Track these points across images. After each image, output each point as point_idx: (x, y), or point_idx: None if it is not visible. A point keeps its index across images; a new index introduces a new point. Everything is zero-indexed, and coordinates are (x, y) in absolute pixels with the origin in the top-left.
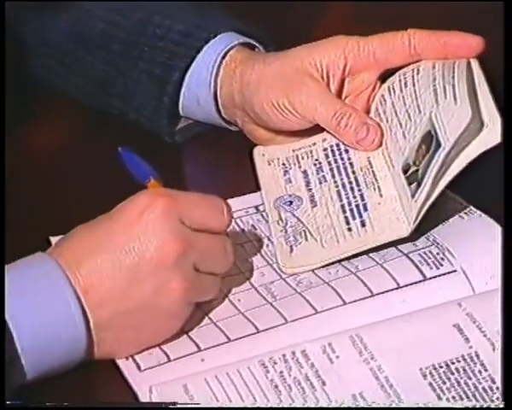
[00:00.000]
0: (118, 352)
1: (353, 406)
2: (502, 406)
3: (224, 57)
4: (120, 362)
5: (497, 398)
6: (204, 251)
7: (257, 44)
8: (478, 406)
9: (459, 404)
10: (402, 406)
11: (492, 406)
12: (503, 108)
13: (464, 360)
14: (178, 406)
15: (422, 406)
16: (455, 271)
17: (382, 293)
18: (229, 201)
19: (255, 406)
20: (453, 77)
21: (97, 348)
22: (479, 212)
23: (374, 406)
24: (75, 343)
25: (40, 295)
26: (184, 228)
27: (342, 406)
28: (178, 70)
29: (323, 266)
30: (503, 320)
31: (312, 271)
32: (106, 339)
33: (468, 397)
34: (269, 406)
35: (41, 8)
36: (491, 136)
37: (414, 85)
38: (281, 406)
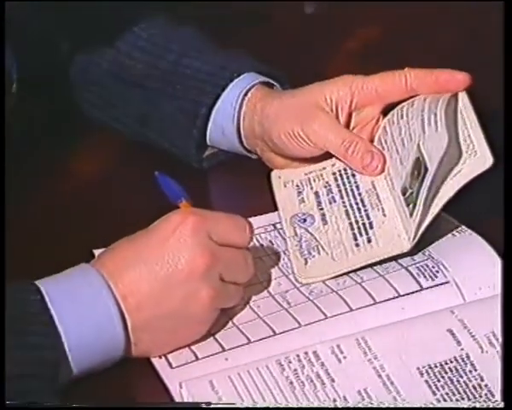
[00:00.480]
0: (152, 351)
1: (358, 400)
2: (501, 405)
3: (246, 94)
4: (154, 360)
5: (485, 394)
6: (228, 263)
7: (275, 83)
8: (468, 404)
9: (453, 402)
10: (400, 400)
11: (478, 405)
12: (505, 111)
13: (456, 360)
14: (212, 406)
15: (420, 405)
16: (448, 282)
17: (384, 301)
18: (250, 219)
19: (276, 404)
20: (436, 106)
21: (134, 348)
22: (469, 231)
23: (375, 404)
24: (115, 342)
25: (84, 301)
26: (212, 243)
27: (348, 402)
28: (206, 106)
29: (334, 277)
30: (502, 322)
31: (324, 282)
32: (142, 339)
33: (459, 393)
34: (286, 402)
35: (85, 51)
36: (480, 164)
37: (407, 117)
38: (296, 401)
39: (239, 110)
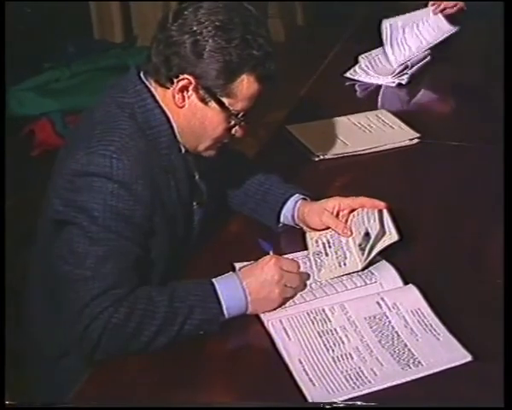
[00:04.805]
0: (258, 311)
1: (341, 325)
2: (502, 405)
3: (296, 202)
4: (261, 314)
5: (391, 329)
6: (288, 279)
7: (308, 198)
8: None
9: (383, 341)
10: (358, 331)
11: (386, 333)
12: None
13: (380, 314)
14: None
15: (419, 405)
16: (376, 282)
17: (351, 289)
18: (294, 253)
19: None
20: (374, 212)
21: (250, 310)
22: (385, 261)
23: (345, 334)
24: (242, 307)
25: (232, 288)
26: (282, 270)
27: (335, 326)
28: (280, 206)
29: (330, 279)
30: (504, 325)
31: (326, 280)
32: (253, 307)
33: (380, 328)
34: (311, 328)
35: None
36: (392, 239)
37: (362, 214)
38: (313, 327)
39: (293, 209)
